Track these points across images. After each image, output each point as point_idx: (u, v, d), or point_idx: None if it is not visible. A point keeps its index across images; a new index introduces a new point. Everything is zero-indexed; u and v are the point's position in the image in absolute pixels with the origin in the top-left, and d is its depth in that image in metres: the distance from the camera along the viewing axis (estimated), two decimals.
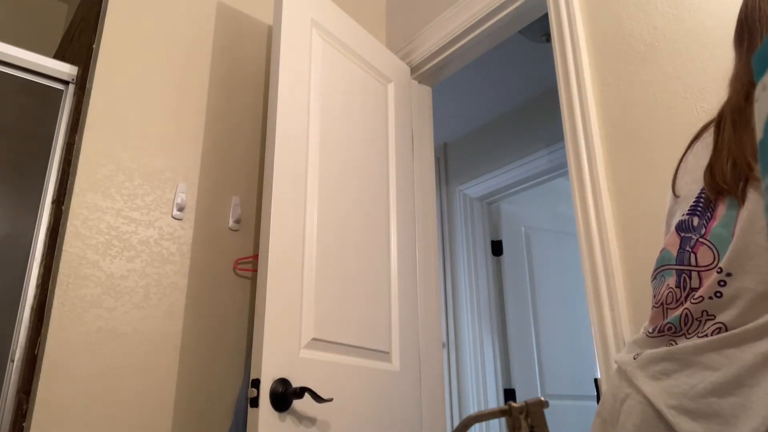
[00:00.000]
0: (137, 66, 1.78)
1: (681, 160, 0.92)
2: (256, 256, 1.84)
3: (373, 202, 1.87)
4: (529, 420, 0.81)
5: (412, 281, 1.95)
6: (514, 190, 3.43)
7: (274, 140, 1.57)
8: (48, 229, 1.62)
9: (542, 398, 0.82)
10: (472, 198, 3.55)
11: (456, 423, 3.11)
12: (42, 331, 1.48)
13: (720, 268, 0.74)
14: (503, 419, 3.07)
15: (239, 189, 1.88)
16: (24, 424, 1.40)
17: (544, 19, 2.34)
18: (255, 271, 1.83)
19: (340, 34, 1.92)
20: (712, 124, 0.87)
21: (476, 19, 2.00)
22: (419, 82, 2.30)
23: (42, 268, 1.58)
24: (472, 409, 3.14)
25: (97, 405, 1.47)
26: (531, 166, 3.26)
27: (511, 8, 1.90)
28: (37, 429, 1.37)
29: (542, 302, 3.33)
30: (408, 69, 2.24)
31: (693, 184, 0.85)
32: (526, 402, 0.82)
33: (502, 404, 2.43)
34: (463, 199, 3.53)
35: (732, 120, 0.79)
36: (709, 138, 0.87)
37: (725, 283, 0.73)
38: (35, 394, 1.40)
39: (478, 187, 3.51)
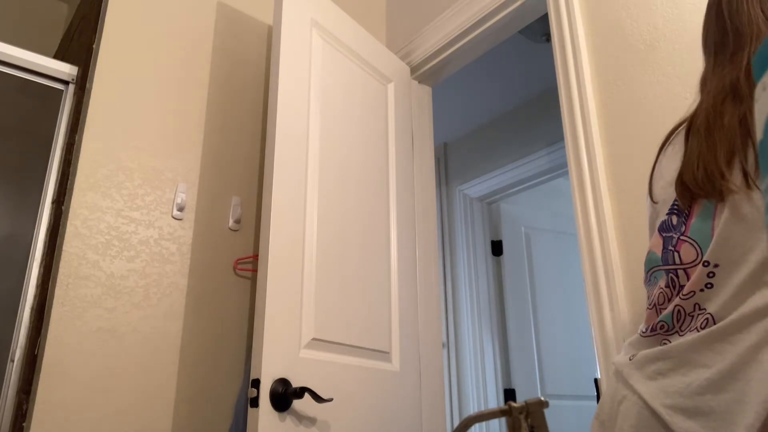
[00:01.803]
0: (137, 66, 1.78)
1: (654, 166, 0.93)
2: (256, 256, 1.84)
3: (373, 202, 1.87)
4: (529, 420, 0.81)
5: (412, 281, 1.95)
6: (514, 190, 3.43)
7: (274, 140, 1.57)
8: (48, 229, 1.62)
9: (542, 398, 0.82)
10: (472, 198, 3.55)
11: (456, 423, 3.11)
12: (42, 331, 1.48)
13: (706, 261, 0.75)
14: (503, 419, 3.07)
15: (239, 189, 1.88)
16: (24, 424, 1.40)
17: (544, 19, 2.34)
18: (255, 271, 1.83)
19: (340, 34, 1.92)
20: (682, 127, 0.89)
21: (476, 19, 2.00)
22: (419, 82, 2.30)
23: (42, 268, 1.58)
24: (472, 409, 3.14)
25: (97, 405, 1.47)
26: (531, 166, 3.26)
27: (511, 8, 1.90)
28: (37, 429, 1.37)
29: (542, 302, 3.33)
30: (408, 69, 2.24)
31: (669, 187, 0.87)
32: (526, 402, 0.82)
33: (502, 404, 2.43)
34: (463, 199, 3.53)
35: (707, 125, 0.80)
36: (679, 141, 0.88)
37: (714, 275, 0.74)
38: (35, 394, 1.40)
39: (478, 187, 3.51)
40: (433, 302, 2.03)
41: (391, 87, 2.11)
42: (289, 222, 1.54)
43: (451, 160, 3.73)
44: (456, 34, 2.08)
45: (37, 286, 1.56)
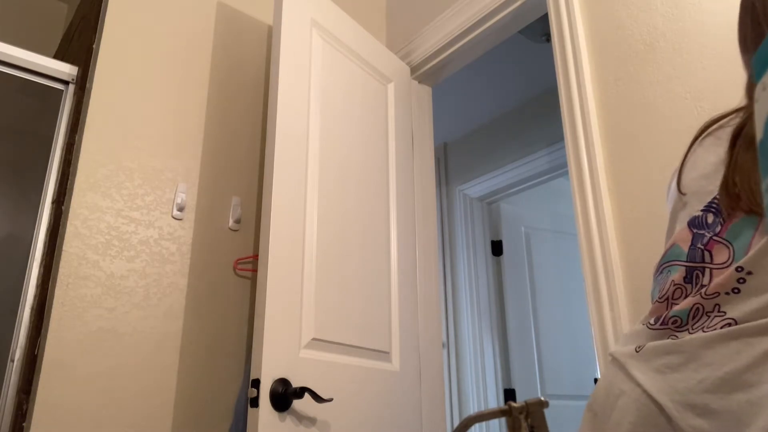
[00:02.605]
0: (137, 66, 1.78)
1: (686, 156, 0.90)
2: (256, 256, 1.84)
3: (373, 202, 1.87)
4: (529, 420, 0.81)
5: (412, 281, 1.95)
6: (514, 190, 3.43)
7: (274, 140, 1.57)
8: (48, 229, 1.62)
9: (542, 398, 0.82)
10: (472, 198, 3.55)
11: (456, 423, 3.11)
12: (42, 331, 1.48)
13: (740, 266, 0.73)
14: (503, 419, 3.07)
15: (239, 189, 1.88)
16: (24, 424, 1.40)
17: (544, 19, 2.33)
18: (255, 271, 1.83)
19: (340, 34, 1.92)
20: (726, 121, 0.86)
21: (476, 19, 2.00)
22: (419, 82, 2.30)
23: (42, 268, 1.58)
24: (472, 409, 3.14)
25: (97, 405, 1.47)
26: (531, 166, 3.26)
27: (511, 8, 1.90)
28: (37, 429, 1.37)
29: (542, 302, 3.33)
30: (408, 69, 2.24)
31: (703, 179, 0.84)
32: (526, 402, 0.81)
33: (502, 404, 2.43)
34: (463, 199, 3.53)
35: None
36: (722, 135, 0.85)
37: (744, 281, 0.72)
38: (35, 394, 1.40)
39: (478, 187, 3.51)
40: (433, 302, 2.03)
41: (391, 87, 2.11)
42: (289, 222, 1.54)
43: (451, 160, 3.73)
44: (456, 34, 2.08)
45: (37, 286, 1.56)
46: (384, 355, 1.74)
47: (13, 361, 1.48)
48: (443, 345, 3.22)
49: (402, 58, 2.28)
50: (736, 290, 0.73)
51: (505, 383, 3.22)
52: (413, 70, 2.26)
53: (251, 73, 2.03)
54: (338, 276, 1.65)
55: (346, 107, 1.86)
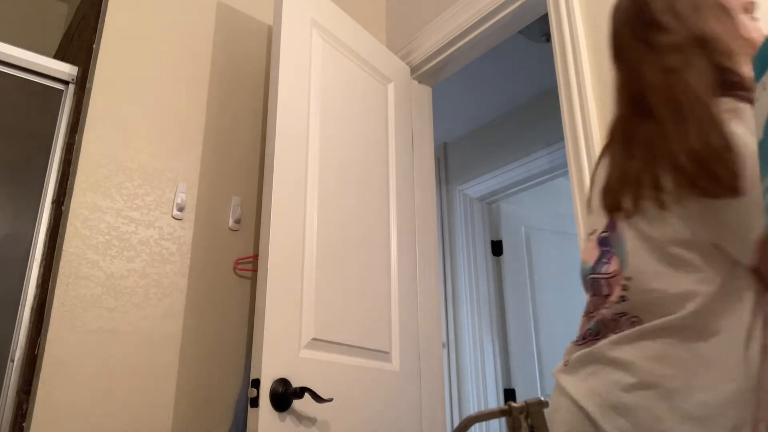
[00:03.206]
0: (137, 66, 1.78)
1: (594, 174, 0.95)
2: (256, 256, 1.84)
3: (373, 202, 1.87)
4: (529, 420, 0.81)
5: (412, 281, 1.95)
6: (514, 190, 3.43)
7: (274, 140, 1.57)
8: (48, 229, 1.62)
9: (542, 398, 0.82)
10: (472, 198, 3.55)
11: (456, 423, 3.11)
12: (42, 331, 1.48)
13: (624, 275, 0.79)
14: (503, 419, 3.06)
15: (239, 189, 1.88)
16: (24, 424, 1.40)
17: (544, 19, 2.33)
18: (255, 271, 1.83)
19: (340, 34, 1.92)
20: None
21: (476, 19, 2.00)
22: (419, 82, 2.30)
23: (42, 268, 1.58)
24: (472, 409, 3.14)
25: (97, 405, 1.47)
26: (531, 166, 3.26)
27: (511, 8, 1.90)
28: (37, 429, 1.37)
29: (542, 302, 3.33)
30: (408, 69, 2.24)
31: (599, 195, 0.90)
32: (526, 402, 0.82)
33: (502, 404, 2.43)
34: (463, 199, 3.52)
35: (623, 137, 0.84)
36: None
37: (627, 287, 0.78)
38: (35, 394, 1.40)
39: (478, 187, 3.50)
40: (433, 302, 2.03)
41: (391, 87, 2.11)
42: (289, 222, 1.54)
43: (451, 160, 3.72)
44: (456, 34, 2.08)
45: (37, 286, 1.56)
46: (384, 355, 1.74)
47: (13, 361, 1.48)
48: (443, 345, 3.21)
49: (402, 58, 2.28)
50: (623, 298, 0.78)
51: (505, 383, 3.22)
52: (413, 70, 2.26)
53: (251, 73, 2.03)
54: (338, 276, 1.65)
55: (346, 107, 1.86)
